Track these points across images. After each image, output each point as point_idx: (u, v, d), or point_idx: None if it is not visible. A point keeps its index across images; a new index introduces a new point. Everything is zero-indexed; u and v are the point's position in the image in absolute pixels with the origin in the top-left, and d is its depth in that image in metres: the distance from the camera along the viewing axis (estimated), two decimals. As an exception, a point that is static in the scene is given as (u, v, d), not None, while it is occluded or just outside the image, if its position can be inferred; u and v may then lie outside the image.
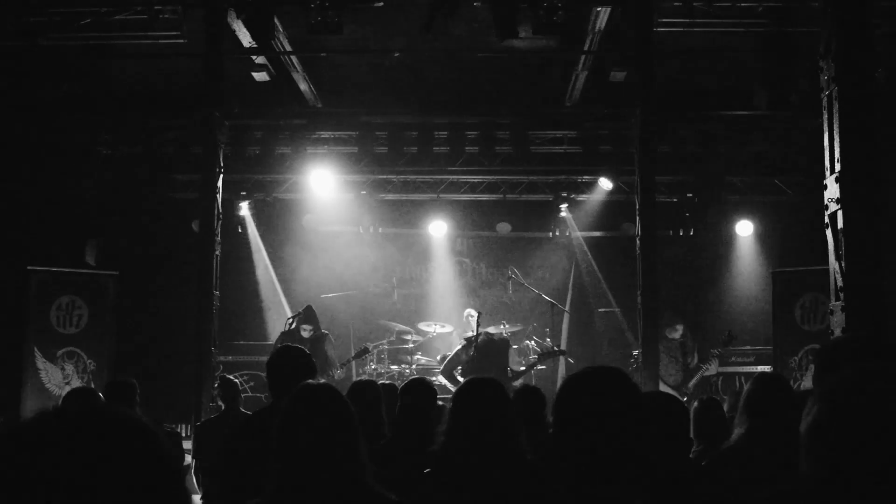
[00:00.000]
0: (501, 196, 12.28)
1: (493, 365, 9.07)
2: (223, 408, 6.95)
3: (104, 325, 10.86)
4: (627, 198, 11.06)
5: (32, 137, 10.92)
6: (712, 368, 9.83)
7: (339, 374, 9.41)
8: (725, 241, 12.10)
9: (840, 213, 6.06)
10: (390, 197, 12.31)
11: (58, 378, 10.46)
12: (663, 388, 8.68)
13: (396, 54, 9.80)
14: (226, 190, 9.29)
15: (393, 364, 10.71)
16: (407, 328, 11.25)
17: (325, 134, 11.65)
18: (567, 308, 12.05)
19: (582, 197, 12.11)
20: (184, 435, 9.37)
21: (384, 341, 10.82)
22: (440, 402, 4.86)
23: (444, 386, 9.30)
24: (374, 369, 10.45)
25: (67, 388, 10.07)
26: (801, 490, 1.57)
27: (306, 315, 9.89)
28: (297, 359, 3.98)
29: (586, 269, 12.53)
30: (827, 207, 6.25)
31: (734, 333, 9.62)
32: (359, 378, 9.32)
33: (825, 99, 6.29)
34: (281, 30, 9.06)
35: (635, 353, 9.44)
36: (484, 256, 12.86)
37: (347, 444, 2.51)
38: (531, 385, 7.42)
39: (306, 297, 10.89)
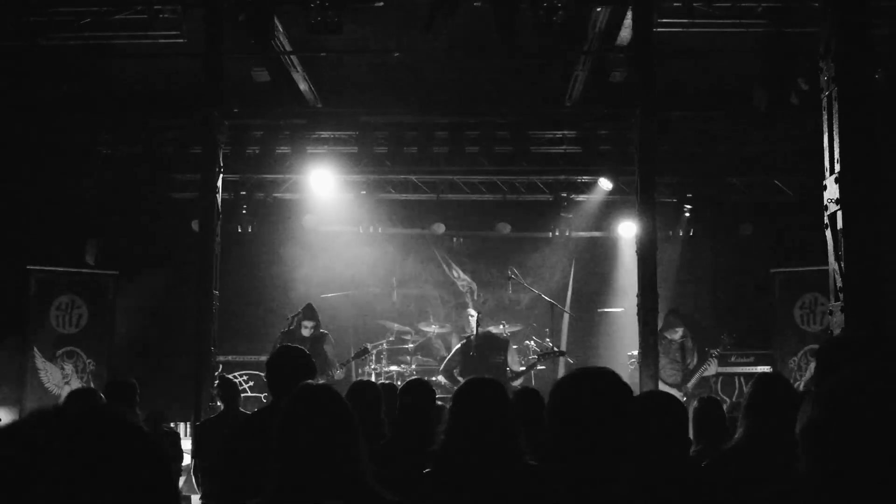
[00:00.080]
0: (501, 196, 12.27)
1: (492, 365, 9.08)
2: (223, 408, 6.95)
3: (104, 324, 10.87)
4: (627, 198, 11.06)
5: (32, 137, 10.91)
6: (711, 369, 9.83)
7: (338, 374, 9.41)
8: (725, 241, 12.08)
9: (840, 214, 6.06)
10: (390, 197, 12.30)
11: (57, 378, 10.46)
12: (662, 388, 8.68)
13: (396, 54, 9.80)
14: (226, 190, 9.28)
15: (392, 364, 10.69)
16: (406, 328, 11.25)
17: (325, 134, 11.63)
18: (567, 308, 12.05)
19: (582, 197, 12.10)
20: (183, 435, 9.39)
21: (383, 341, 10.80)
22: (440, 402, 4.87)
23: (444, 386, 9.31)
24: (374, 369, 10.45)
25: (67, 388, 10.10)
26: (801, 490, 1.57)
27: (307, 312, 9.88)
28: (296, 359, 3.98)
29: (586, 269, 12.53)
30: (826, 208, 6.25)
31: (731, 339, 9.64)
32: (358, 378, 9.35)
33: (825, 99, 6.29)
34: (281, 30, 9.06)
35: (634, 353, 9.44)
36: (484, 256, 12.84)
37: (347, 445, 2.51)
38: (530, 386, 7.43)
39: (306, 297, 10.88)
